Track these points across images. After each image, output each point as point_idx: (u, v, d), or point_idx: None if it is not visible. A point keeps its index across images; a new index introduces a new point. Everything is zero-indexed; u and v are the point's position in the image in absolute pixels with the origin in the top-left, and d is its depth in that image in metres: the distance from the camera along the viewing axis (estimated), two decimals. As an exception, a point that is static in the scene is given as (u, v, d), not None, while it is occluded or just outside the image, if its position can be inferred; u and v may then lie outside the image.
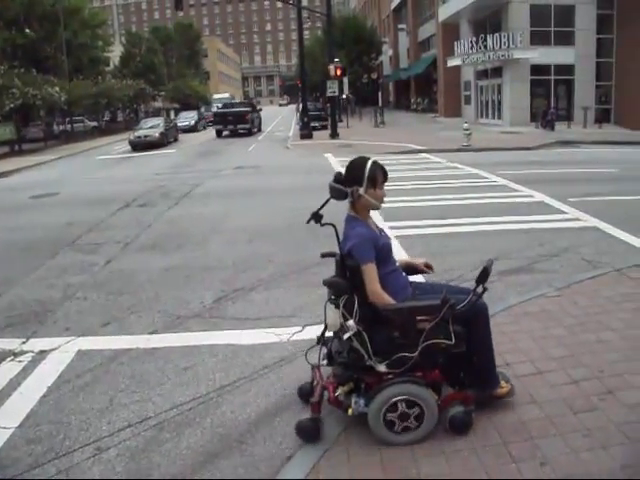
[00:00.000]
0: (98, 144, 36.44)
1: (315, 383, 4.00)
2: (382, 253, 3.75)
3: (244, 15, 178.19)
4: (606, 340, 4.94)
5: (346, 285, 3.68)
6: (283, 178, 17.16)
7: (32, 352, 5.47)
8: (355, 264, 3.65)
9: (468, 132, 24.02)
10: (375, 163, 3.80)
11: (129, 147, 31.24)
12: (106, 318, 6.29)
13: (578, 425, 3.72)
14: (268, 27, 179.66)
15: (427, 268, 4.23)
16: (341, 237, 3.84)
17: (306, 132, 31.85)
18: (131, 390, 4.70)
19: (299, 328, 5.75)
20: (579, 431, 3.66)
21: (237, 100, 65.86)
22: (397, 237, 8.47)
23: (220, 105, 47.79)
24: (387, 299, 3.63)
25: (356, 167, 3.79)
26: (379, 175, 3.78)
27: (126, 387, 4.75)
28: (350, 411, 3.67)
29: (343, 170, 3.88)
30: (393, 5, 63.65)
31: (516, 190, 13.19)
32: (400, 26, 60.95)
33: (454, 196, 12.38)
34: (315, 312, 6.12)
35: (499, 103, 37.46)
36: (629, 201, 11.65)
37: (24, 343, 5.69)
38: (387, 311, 3.61)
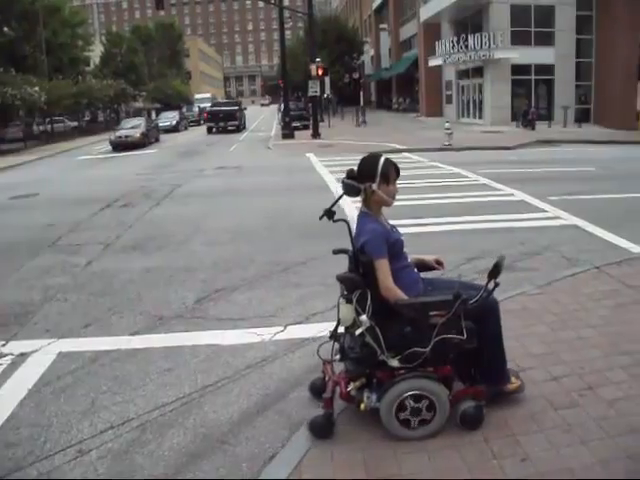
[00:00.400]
0: (79, 144, 36.13)
1: (327, 379, 4.00)
2: (394, 249, 3.77)
3: (226, 15, 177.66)
4: (586, 337, 5.00)
5: (359, 280, 3.69)
6: (265, 178, 17.15)
7: (12, 354, 5.41)
8: (368, 259, 3.68)
9: (449, 131, 24.13)
10: (388, 159, 3.84)
11: (110, 147, 31.01)
12: (87, 319, 6.24)
13: (559, 421, 3.76)
14: (250, 27, 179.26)
15: (438, 265, 4.23)
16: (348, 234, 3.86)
17: (288, 132, 31.81)
18: (113, 391, 4.67)
19: (281, 328, 5.75)
20: (559, 427, 3.70)
21: (222, 100, 66.14)
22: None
23: (209, 104, 51.87)
24: (400, 294, 3.65)
25: (369, 163, 3.82)
26: (392, 171, 3.82)
27: (108, 389, 4.72)
28: (362, 406, 3.67)
29: (355, 167, 3.90)
30: (375, 5, 63.74)
31: (497, 189, 13.29)
32: (382, 26, 61.10)
33: (435, 195, 12.43)
34: (297, 312, 6.16)
35: (480, 102, 37.65)
36: (609, 199, 11.78)
37: (4, 345, 5.63)
38: (400, 306, 3.63)
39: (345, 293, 3.77)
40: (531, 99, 35.51)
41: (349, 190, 3.82)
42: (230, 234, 9.85)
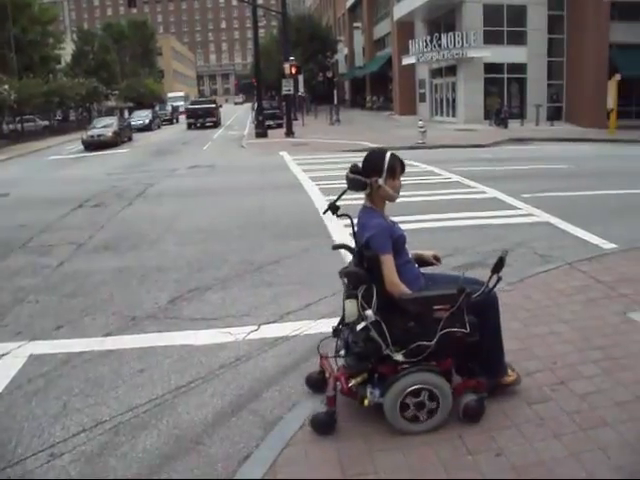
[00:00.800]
0: (50, 144, 35.65)
1: (327, 375, 3.99)
2: (397, 244, 3.79)
3: (199, 13, 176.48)
4: (558, 332, 5.06)
5: (365, 275, 3.69)
6: (238, 177, 17.11)
7: (-19, 358, 5.32)
8: (373, 254, 3.69)
9: (423, 130, 24.25)
10: (393, 154, 3.86)
11: (82, 147, 30.63)
12: (59, 321, 6.15)
13: (532, 416, 3.80)
14: (223, 25, 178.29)
15: (435, 260, 4.26)
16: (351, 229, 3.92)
17: (261, 131, 31.75)
18: (85, 394, 4.61)
19: (255, 327, 5.72)
20: (533, 421, 3.73)
21: (200, 99, 67.17)
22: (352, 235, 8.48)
23: (182, 103, 59.81)
24: (405, 289, 3.66)
25: (375, 158, 3.85)
26: (397, 166, 3.84)
27: (80, 391, 4.65)
28: (366, 402, 3.67)
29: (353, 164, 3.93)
30: (348, 4, 63.80)
31: (470, 187, 13.38)
32: (355, 24, 61.18)
33: (408, 193, 12.40)
34: (270, 311, 6.14)
35: (453, 101, 37.93)
36: (580, 196, 11.93)
37: (-27, 348, 5.54)
38: (404, 301, 3.64)
39: (349, 288, 3.77)
40: (504, 97, 35.87)
41: (354, 185, 3.84)
42: (203, 233, 9.79)
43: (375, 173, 3.79)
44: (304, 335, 5.48)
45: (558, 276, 6.60)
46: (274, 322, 5.86)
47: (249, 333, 5.59)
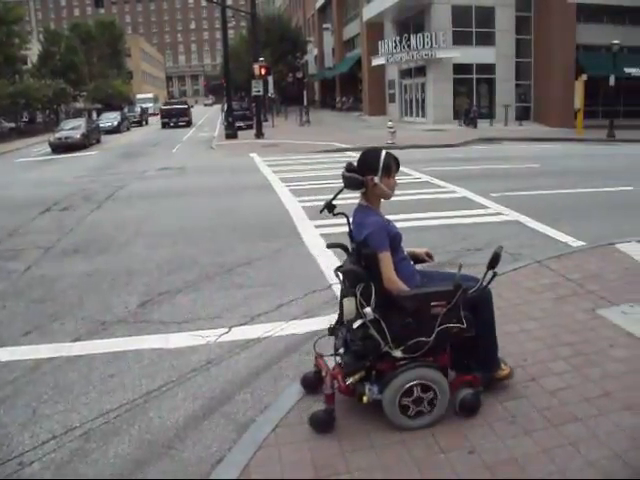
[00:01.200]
0: (16, 146, 35.13)
1: (324, 373, 3.98)
2: (394, 242, 3.81)
3: (167, 13, 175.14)
4: (528, 329, 5.11)
5: (363, 273, 3.70)
6: (208, 179, 17.01)
7: (-53, 365, 5.21)
8: (371, 252, 3.69)
9: (392, 130, 24.35)
10: (388, 153, 3.89)
11: (49, 149, 30.16)
12: (27, 327, 6.04)
13: (504, 413, 3.83)
14: (192, 26, 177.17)
15: (428, 257, 4.28)
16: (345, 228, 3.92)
17: (231, 132, 31.63)
18: (55, 400, 4.53)
19: (226, 329, 5.69)
20: (505, 419, 3.77)
21: (172, 100, 73.56)
22: (323, 235, 8.53)
23: (152, 104, 67.34)
24: (402, 286, 3.68)
25: (371, 157, 3.87)
26: (393, 164, 3.87)
27: (49, 397, 4.58)
28: (365, 399, 3.67)
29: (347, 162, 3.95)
30: (318, 4, 63.86)
31: (439, 186, 13.47)
32: (325, 25, 61.27)
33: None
34: (241, 313, 6.11)
35: (423, 101, 38.17)
36: (548, 195, 12.09)
37: (-62, 356, 5.41)
38: (402, 298, 3.66)
39: (347, 286, 3.78)
40: (473, 98, 36.24)
41: (351, 183, 3.85)
42: (173, 236, 9.70)
43: (371, 171, 3.81)
44: (275, 337, 5.47)
45: (528, 274, 6.67)
46: (245, 324, 5.83)
47: (220, 335, 5.56)
